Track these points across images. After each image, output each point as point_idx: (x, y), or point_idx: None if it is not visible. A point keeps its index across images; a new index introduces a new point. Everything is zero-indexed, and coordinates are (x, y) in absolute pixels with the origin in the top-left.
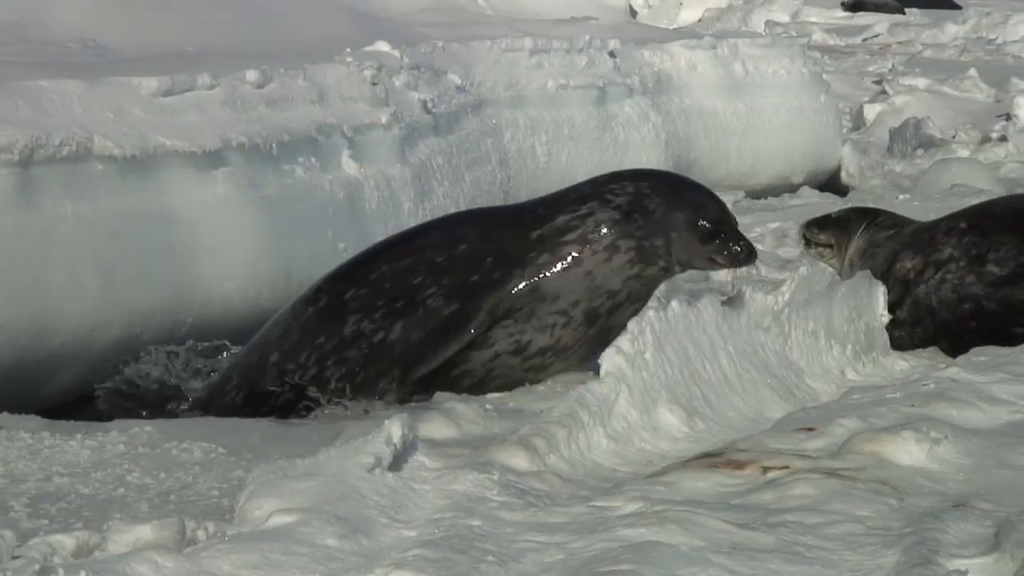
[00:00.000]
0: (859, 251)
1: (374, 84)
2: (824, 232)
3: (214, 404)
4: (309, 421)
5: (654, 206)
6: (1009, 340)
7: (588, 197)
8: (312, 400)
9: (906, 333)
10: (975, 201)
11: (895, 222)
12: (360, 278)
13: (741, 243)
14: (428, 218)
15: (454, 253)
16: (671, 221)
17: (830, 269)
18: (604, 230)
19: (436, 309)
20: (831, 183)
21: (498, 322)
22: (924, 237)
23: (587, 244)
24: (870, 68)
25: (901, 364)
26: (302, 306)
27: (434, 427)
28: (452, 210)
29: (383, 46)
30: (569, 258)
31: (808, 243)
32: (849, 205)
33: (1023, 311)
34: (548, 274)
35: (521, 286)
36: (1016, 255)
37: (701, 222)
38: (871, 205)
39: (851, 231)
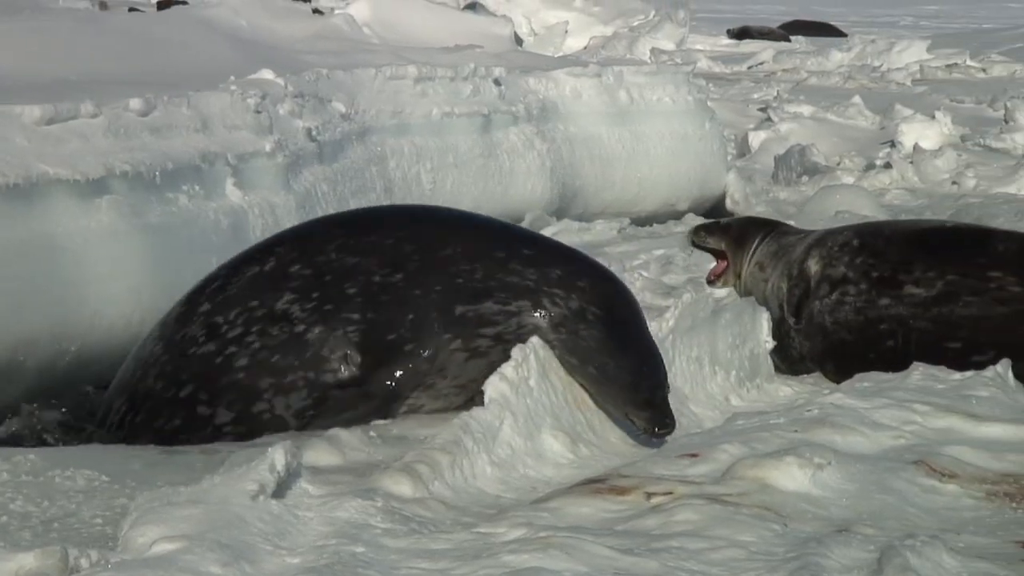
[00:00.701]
0: (769, 254)
1: (258, 112)
2: (713, 237)
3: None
4: (192, 449)
5: (589, 336)
6: (933, 358)
7: (523, 293)
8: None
9: (797, 344)
10: None
11: (796, 230)
12: (307, 257)
13: (667, 419)
14: None
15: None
16: (603, 367)
17: (715, 295)
18: (524, 335)
19: (345, 352)
20: (716, 210)
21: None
22: (828, 241)
23: (501, 342)
24: (755, 95)
25: (785, 390)
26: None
27: (318, 454)
28: None
29: (267, 74)
30: (480, 349)
31: (695, 245)
32: (741, 216)
33: (962, 326)
34: (455, 358)
35: (428, 363)
36: (939, 274)
37: (639, 391)
38: (764, 216)
39: (748, 240)
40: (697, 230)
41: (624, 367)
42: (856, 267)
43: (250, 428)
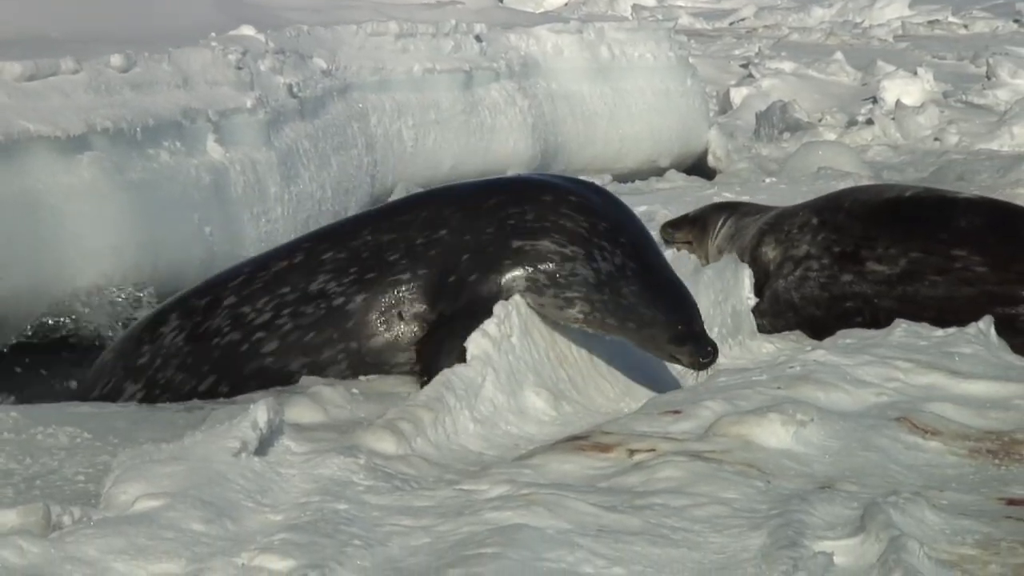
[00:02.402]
0: (727, 237)
1: (239, 68)
2: (680, 231)
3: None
4: (175, 405)
5: (629, 293)
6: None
7: (577, 239)
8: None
9: (768, 323)
10: (842, 184)
11: (757, 209)
12: (340, 241)
13: (709, 348)
14: (294, 202)
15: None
16: (642, 316)
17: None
18: (574, 284)
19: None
20: (698, 166)
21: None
22: (783, 227)
23: (554, 284)
24: (736, 52)
25: (767, 347)
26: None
27: (300, 411)
28: (318, 195)
29: (248, 30)
30: (539, 283)
31: (667, 243)
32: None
33: (929, 307)
34: (518, 284)
35: (495, 286)
36: (902, 251)
37: (679, 327)
38: (730, 199)
39: (710, 226)
40: (664, 228)
41: (659, 312)
42: (818, 243)
43: None
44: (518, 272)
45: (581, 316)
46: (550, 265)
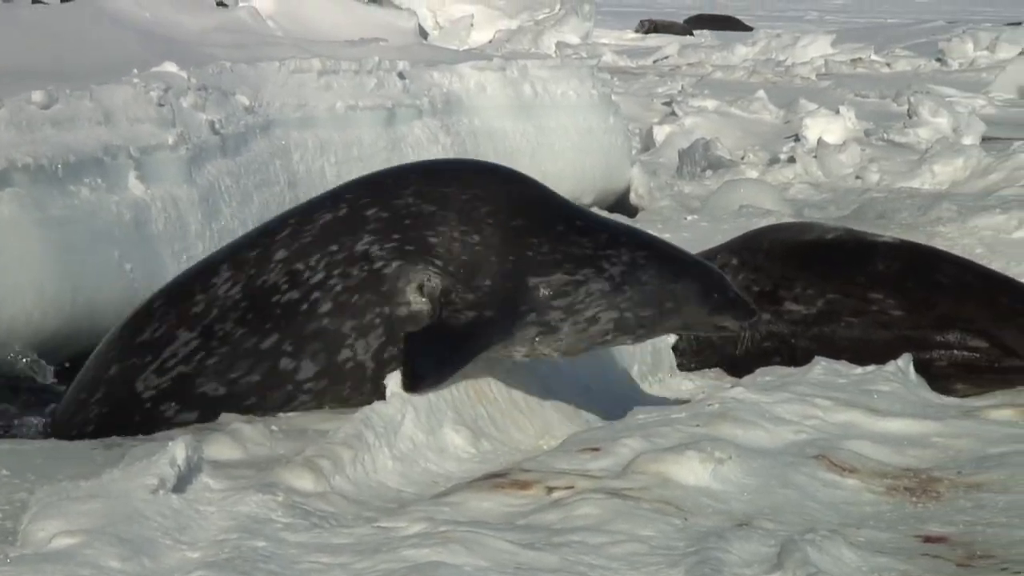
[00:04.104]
0: None
1: (161, 105)
2: None
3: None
4: (93, 442)
5: (649, 278)
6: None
7: (584, 261)
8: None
9: (687, 361)
10: (764, 222)
11: None
12: (383, 200)
13: (751, 307)
14: (216, 239)
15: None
16: (675, 293)
17: None
18: (592, 302)
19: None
20: (620, 204)
21: None
22: None
23: (571, 314)
24: (660, 89)
25: (687, 384)
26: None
27: (219, 448)
28: (240, 232)
29: (170, 67)
30: (551, 323)
31: None
32: None
33: (844, 348)
34: (528, 332)
35: (503, 335)
36: (819, 292)
37: (715, 295)
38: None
39: None
40: None
41: (688, 283)
42: (737, 283)
43: (332, 381)
44: (532, 318)
45: (611, 326)
46: (565, 299)
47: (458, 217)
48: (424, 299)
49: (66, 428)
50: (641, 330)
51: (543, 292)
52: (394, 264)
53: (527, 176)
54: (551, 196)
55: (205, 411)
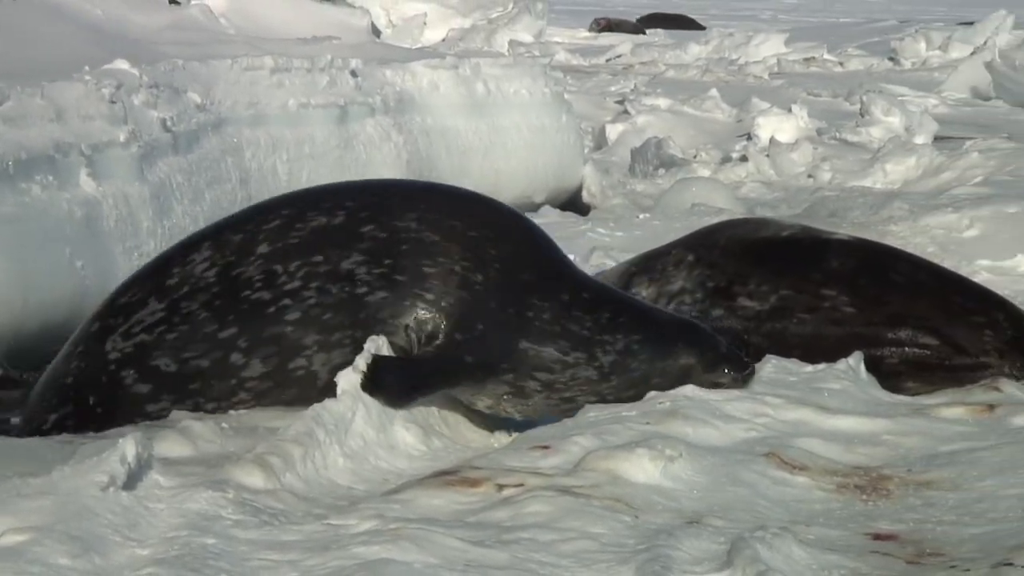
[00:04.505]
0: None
1: (113, 102)
2: None
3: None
4: (43, 439)
5: (638, 367)
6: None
7: (580, 343)
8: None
9: None
10: (716, 221)
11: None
12: (383, 220)
13: (744, 362)
14: (167, 236)
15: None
16: (664, 369)
17: None
18: (574, 386)
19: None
20: (573, 202)
21: None
22: (656, 265)
23: (548, 390)
24: (612, 88)
25: None
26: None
27: (169, 445)
28: (192, 229)
29: (122, 64)
30: (525, 390)
31: None
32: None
33: (796, 345)
34: (499, 389)
35: (474, 385)
36: (773, 288)
37: (708, 355)
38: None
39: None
40: None
41: (679, 355)
42: (693, 279)
43: (277, 385)
44: (508, 379)
45: (586, 404)
46: (548, 375)
47: (462, 252)
48: (405, 336)
49: (51, 378)
50: (618, 402)
51: (530, 359)
52: (379, 294)
53: (543, 232)
54: (563, 259)
55: (156, 385)
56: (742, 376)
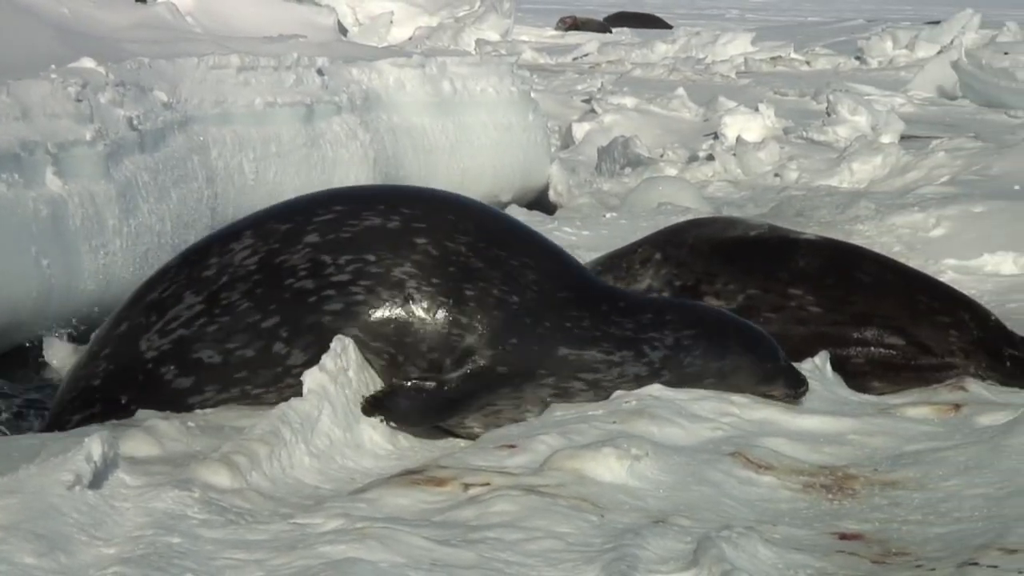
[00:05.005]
0: None
1: (79, 101)
2: None
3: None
4: (10, 437)
5: (691, 362)
6: None
7: (624, 343)
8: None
9: None
10: (681, 219)
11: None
12: (436, 237)
13: (800, 378)
14: (133, 235)
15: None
16: (720, 370)
17: None
18: (624, 384)
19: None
20: (539, 201)
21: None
22: (623, 264)
23: (595, 388)
24: (579, 87)
25: None
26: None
27: (135, 444)
28: (158, 227)
29: (88, 63)
30: (570, 390)
31: None
32: None
33: None
34: (541, 393)
35: (513, 391)
36: (740, 287)
37: (767, 365)
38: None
39: None
40: None
41: (735, 358)
42: (660, 277)
43: None
44: (550, 382)
45: None
46: (593, 375)
47: (503, 278)
48: (435, 356)
49: (74, 381)
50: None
51: (571, 363)
52: (424, 313)
53: (578, 263)
54: (595, 280)
55: (200, 377)
56: (796, 393)
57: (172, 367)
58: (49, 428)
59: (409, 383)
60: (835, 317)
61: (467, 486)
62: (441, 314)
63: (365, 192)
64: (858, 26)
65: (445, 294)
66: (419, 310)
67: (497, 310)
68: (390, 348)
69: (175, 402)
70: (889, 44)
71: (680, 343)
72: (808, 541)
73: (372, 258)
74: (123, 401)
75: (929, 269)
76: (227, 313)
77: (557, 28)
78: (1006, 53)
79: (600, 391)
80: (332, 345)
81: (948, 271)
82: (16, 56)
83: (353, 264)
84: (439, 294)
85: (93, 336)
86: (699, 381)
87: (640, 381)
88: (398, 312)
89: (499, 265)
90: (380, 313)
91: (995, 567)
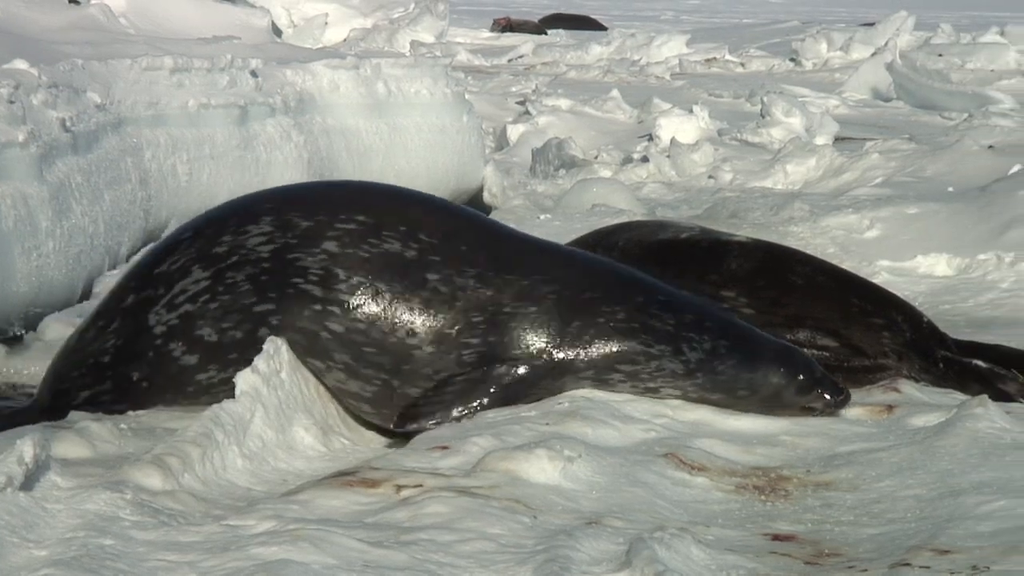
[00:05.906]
0: None
1: (11, 102)
2: None
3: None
4: None
5: (725, 369)
6: None
7: (663, 337)
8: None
9: None
10: (616, 221)
11: None
12: (448, 271)
13: (839, 388)
14: (66, 237)
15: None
16: (751, 382)
17: None
18: (659, 378)
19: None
20: (474, 202)
21: None
22: None
23: (633, 380)
24: (514, 88)
25: None
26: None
27: (68, 446)
28: (91, 229)
29: (21, 64)
30: (610, 381)
31: None
32: None
33: None
34: (582, 384)
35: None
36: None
37: (800, 377)
38: None
39: None
40: None
41: (768, 371)
42: None
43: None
44: (589, 375)
45: (671, 397)
46: (631, 366)
47: (516, 296)
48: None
49: (79, 356)
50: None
51: (609, 356)
52: (423, 344)
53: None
54: (634, 274)
55: (203, 356)
56: (836, 402)
57: (179, 343)
58: (51, 406)
59: (450, 386)
60: (768, 319)
61: (400, 487)
62: (448, 344)
63: (392, 206)
64: (793, 28)
65: (452, 325)
66: (421, 347)
67: (513, 321)
68: (386, 376)
69: (183, 380)
70: (824, 46)
71: (716, 350)
72: (741, 542)
73: (383, 287)
74: (135, 378)
75: (863, 271)
76: (228, 292)
77: (492, 29)
78: (940, 55)
79: (637, 383)
80: (265, 347)
81: (882, 272)
82: None
83: (364, 286)
84: (443, 327)
85: (94, 309)
86: (729, 392)
87: (675, 379)
88: (398, 346)
89: (509, 286)
90: (374, 344)
91: (927, 568)
